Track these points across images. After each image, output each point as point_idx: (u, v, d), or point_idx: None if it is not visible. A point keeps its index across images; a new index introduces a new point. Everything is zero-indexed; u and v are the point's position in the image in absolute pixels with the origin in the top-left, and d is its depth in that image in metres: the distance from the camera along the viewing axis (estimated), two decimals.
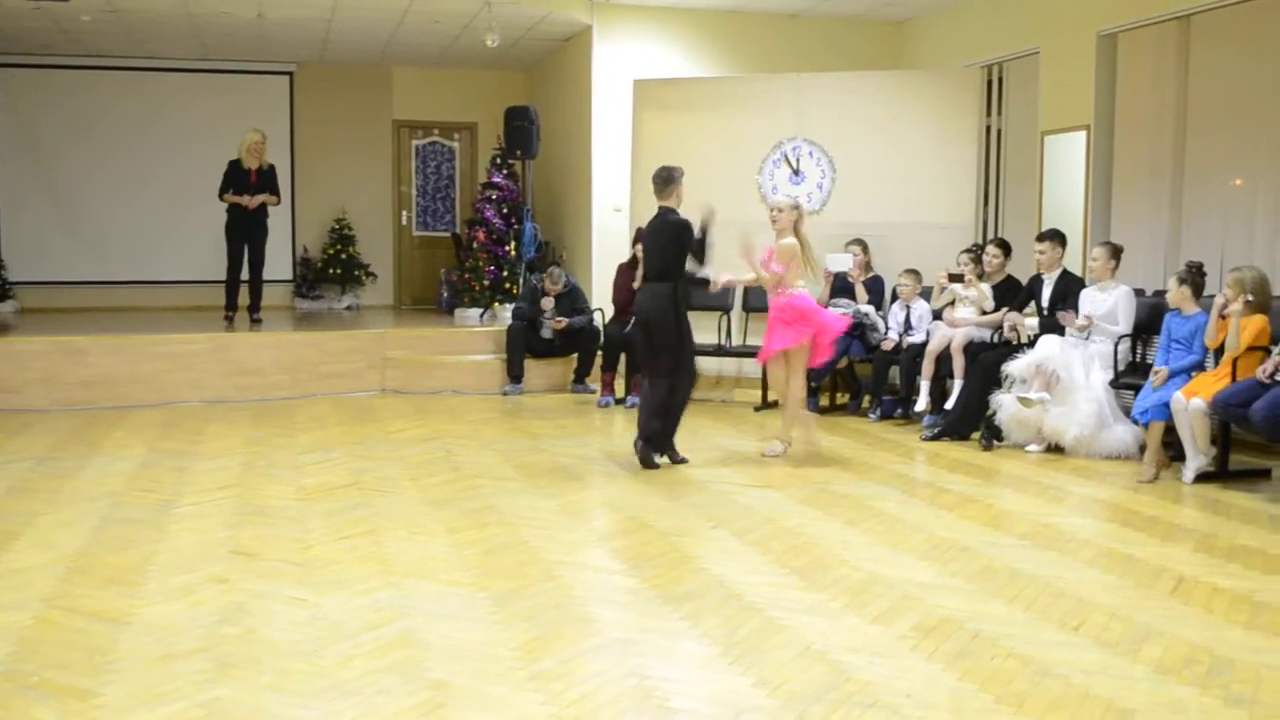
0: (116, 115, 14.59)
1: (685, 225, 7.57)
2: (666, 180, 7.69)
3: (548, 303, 10.84)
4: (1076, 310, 8.26)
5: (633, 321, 7.96)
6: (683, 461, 7.65)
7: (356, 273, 15.17)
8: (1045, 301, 8.56)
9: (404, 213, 15.80)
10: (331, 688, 3.82)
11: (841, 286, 9.89)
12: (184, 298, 14.43)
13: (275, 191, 12.09)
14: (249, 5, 11.63)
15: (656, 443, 7.60)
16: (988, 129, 11.12)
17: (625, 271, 10.46)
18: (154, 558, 5.38)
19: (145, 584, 4.97)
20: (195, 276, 14.20)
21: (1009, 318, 8.63)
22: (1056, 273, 8.58)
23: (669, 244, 7.57)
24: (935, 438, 8.54)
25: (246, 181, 11.91)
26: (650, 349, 7.66)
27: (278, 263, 14.64)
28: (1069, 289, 8.46)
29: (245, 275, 12.10)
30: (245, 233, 11.98)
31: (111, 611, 4.59)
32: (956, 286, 9.07)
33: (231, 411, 9.86)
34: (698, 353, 9.87)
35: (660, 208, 7.68)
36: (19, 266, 14.37)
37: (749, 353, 10.38)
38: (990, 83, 11.14)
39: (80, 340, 10.38)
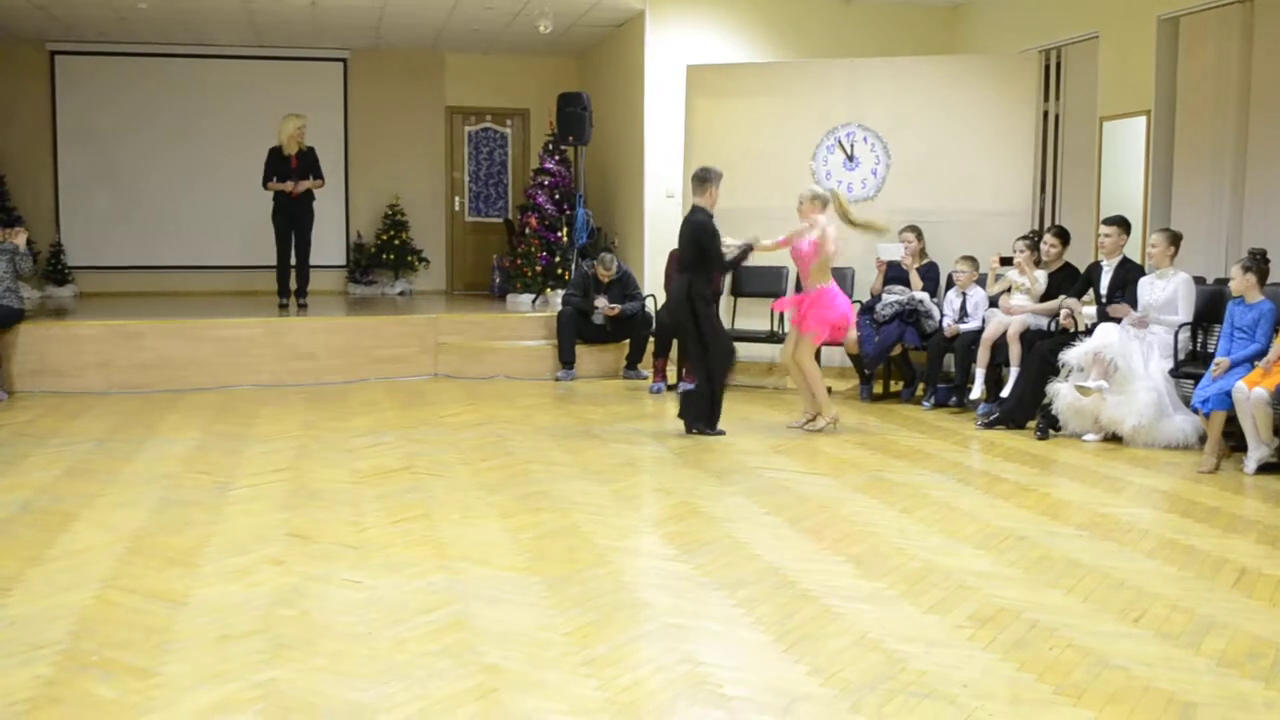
0: (172, 102, 14.76)
1: (703, 226, 8.02)
2: (703, 180, 8.15)
3: (601, 301, 10.81)
4: (1135, 300, 8.14)
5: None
6: (719, 434, 8.09)
7: (409, 258, 15.24)
8: (1104, 289, 8.42)
9: (457, 198, 15.86)
10: (385, 670, 3.84)
11: (895, 275, 9.81)
12: (238, 282, 14.58)
13: (318, 174, 12.15)
14: None
15: (691, 418, 8.13)
16: (1045, 114, 10.97)
17: (676, 259, 10.42)
18: (210, 539, 5.43)
19: (202, 565, 5.02)
20: (250, 261, 14.32)
21: (1066, 304, 8.52)
22: (1116, 260, 8.45)
23: (689, 243, 8.07)
24: (990, 425, 8.45)
25: (288, 167, 11.98)
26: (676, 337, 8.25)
27: (331, 248, 14.81)
28: (1128, 277, 8.32)
29: (292, 260, 12.20)
30: (291, 219, 12.06)
31: (169, 592, 4.64)
32: (1012, 274, 8.98)
33: (285, 395, 9.94)
34: (748, 339, 9.94)
35: (693, 205, 8.15)
36: (77, 251, 14.57)
37: None
38: (1048, 67, 11.00)
39: (137, 324, 10.51)
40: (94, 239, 14.68)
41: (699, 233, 8.00)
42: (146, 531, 5.57)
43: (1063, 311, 8.52)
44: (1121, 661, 3.92)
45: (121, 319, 10.77)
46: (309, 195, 12.08)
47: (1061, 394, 8.10)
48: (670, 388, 10.20)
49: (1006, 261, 8.98)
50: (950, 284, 9.61)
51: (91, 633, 4.18)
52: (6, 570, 4.93)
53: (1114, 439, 7.92)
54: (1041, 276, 8.83)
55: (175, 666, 3.86)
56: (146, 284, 14.59)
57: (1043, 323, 8.73)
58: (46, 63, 14.52)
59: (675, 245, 10.52)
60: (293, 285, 12.21)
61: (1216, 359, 7.39)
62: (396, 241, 15.17)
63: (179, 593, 4.63)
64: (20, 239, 10.22)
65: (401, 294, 15.04)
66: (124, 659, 3.93)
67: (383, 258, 15.16)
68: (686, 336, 8.17)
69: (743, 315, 10.77)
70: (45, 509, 6.02)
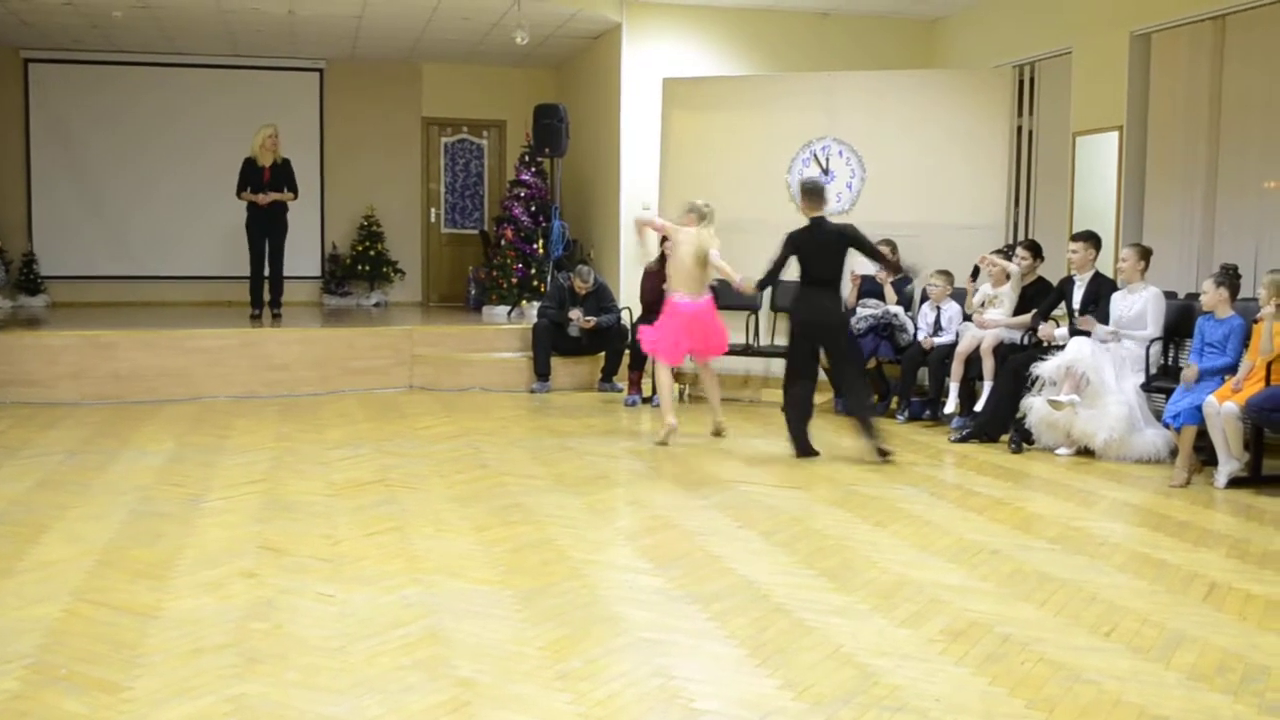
0: (146, 111, 14.69)
1: (850, 229, 8.15)
2: (819, 193, 8.06)
3: (576, 313, 10.80)
4: (1107, 314, 8.20)
5: (800, 326, 8.07)
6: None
7: (385, 269, 15.20)
8: (1076, 304, 8.48)
9: (433, 210, 15.84)
10: (358, 684, 3.82)
11: (870, 289, 9.84)
12: (213, 293, 14.52)
13: (292, 187, 12.09)
14: (280, 1, 11.67)
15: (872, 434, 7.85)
16: (1019, 129, 11.04)
17: (653, 275, 10.42)
18: (182, 552, 5.40)
19: (174, 578, 4.99)
20: (224, 272, 14.25)
21: (1041, 333, 8.52)
22: (1089, 274, 8.51)
23: (841, 253, 7.98)
24: (964, 439, 8.49)
25: (260, 178, 11.94)
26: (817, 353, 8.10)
27: (306, 259, 14.75)
28: (1101, 291, 8.38)
29: (265, 271, 12.15)
30: (264, 230, 12.02)
31: (140, 605, 4.61)
32: (985, 287, 9.04)
33: (260, 407, 9.90)
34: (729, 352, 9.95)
35: (820, 217, 7.98)
36: (50, 261, 14.48)
37: (777, 353, 10.34)
38: (1022, 83, 11.08)
39: (110, 335, 10.46)
40: (67, 248, 14.56)
41: (860, 235, 8.02)
42: (118, 544, 5.54)
43: (1041, 328, 8.53)
44: (1093, 676, 3.95)
45: (95, 329, 10.71)
46: (282, 206, 12.03)
47: (1034, 408, 8.15)
48: (645, 400, 10.21)
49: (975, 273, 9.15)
50: (925, 298, 9.66)
51: (61, 646, 4.15)
52: None
53: (1086, 453, 7.97)
54: (1010, 287, 8.89)
55: (146, 681, 3.83)
56: (120, 294, 14.50)
57: (1016, 336, 8.78)
58: (20, 70, 14.43)
59: (650, 260, 10.57)
60: (266, 296, 12.16)
61: (1186, 363, 7.46)
62: (372, 253, 15.13)
63: (150, 606, 4.60)
64: None
65: (377, 305, 15.01)
66: (93, 673, 3.90)
67: (358, 269, 15.12)
68: (838, 354, 8.05)
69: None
70: (16, 520, 5.98)
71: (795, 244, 7.96)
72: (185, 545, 5.52)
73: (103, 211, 14.67)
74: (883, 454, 7.70)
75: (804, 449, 7.93)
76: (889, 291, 9.77)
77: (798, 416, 7.98)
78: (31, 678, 3.86)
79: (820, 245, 7.92)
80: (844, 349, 8.06)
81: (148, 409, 9.73)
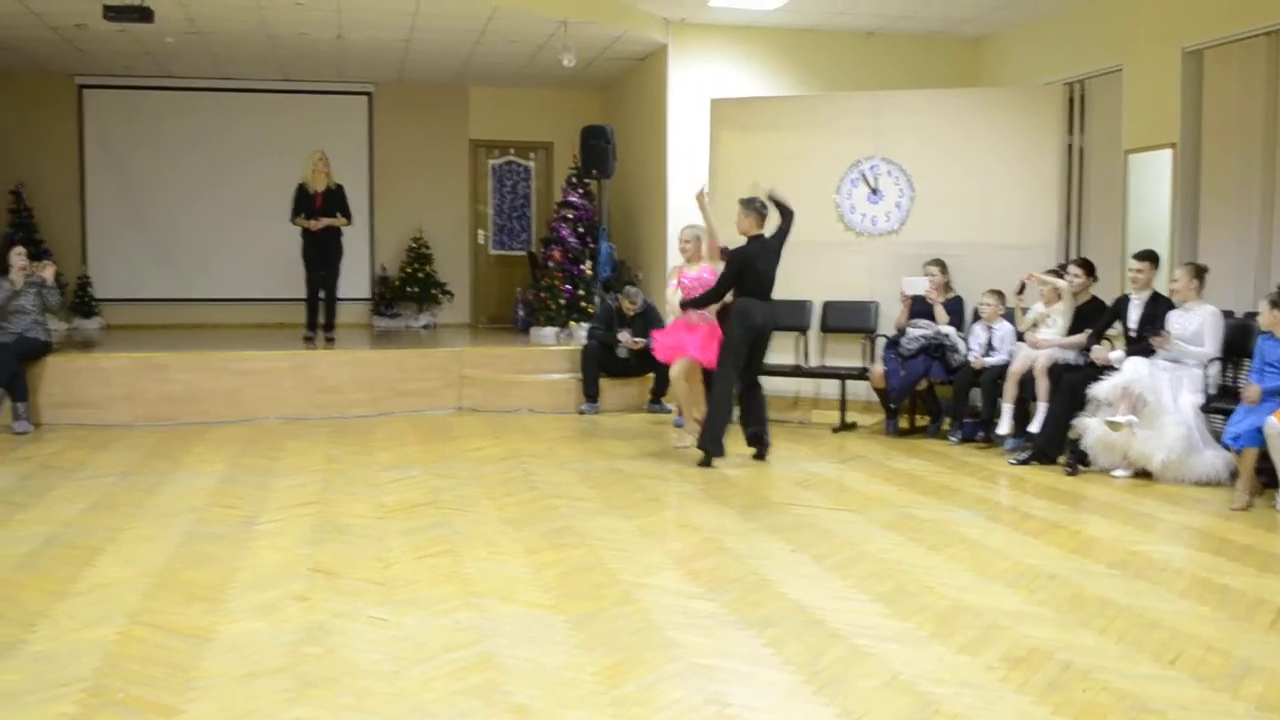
0: (197, 135, 14.88)
1: (775, 238, 8.51)
2: (762, 211, 8.45)
3: (624, 335, 10.78)
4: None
5: (746, 331, 8.35)
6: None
7: (433, 291, 15.28)
8: (1133, 323, 8.36)
9: (480, 232, 15.91)
10: (412, 710, 3.81)
11: (920, 309, 9.77)
12: (262, 314, 14.65)
13: (345, 212, 12.16)
14: (328, 26, 11.79)
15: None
16: (1070, 147, 10.94)
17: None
18: (235, 574, 5.42)
19: (227, 601, 5.00)
20: (274, 294, 14.37)
21: (1095, 354, 8.41)
22: (1147, 294, 8.38)
23: (777, 262, 8.45)
24: (1025, 462, 8.36)
25: (313, 204, 12.02)
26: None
27: (356, 281, 14.87)
28: (1159, 311, 8.23)
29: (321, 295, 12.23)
30: (318, 254, 12.09)
31: (194, 628, 4.62)
32: (1038, 306, 8.94)
33: (311, 428, 9.95)
34: (774, 373, 9.97)
35: (756, 236, 8.38)
36: (103, 283, 14.67)
37: (827, 374, 10.31)
38: (1071, 100, 10.98)
39: (163, 357, 10.55)
40: (120, 271, 14.78)
41: (779, 232, 8.47)
42: (172, 566, 5.56)
43: (1095, 351, 8.42)
44: (1159, 705, 3.86)
45: (148, 351, 10.81)
46: (335, 231, 12.09)
47: (1090, 429, 8.03)
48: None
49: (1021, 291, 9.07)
50: (976, 317, 9.57)
51: (117, 669, 4.16)
52: (33, 605, 4.93)
53: (1144, 475, 7.84)
54: (1063, 305, 8.79)
55: (201, 705, 3.84)
56: (172, 316, 14.67)
57: (1070, 356, 8.67)
58: (75, 96, 14.66)
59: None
60: (320, 319, 12.24)
61: (1245, 382, 7.33)
62: (421, 274, 15.22)
63: (204, 629, 4.61)
64: (48, 272, 10.31)
65: (426, 327, 15.08)
66: (149, 696, 3.91)
67: (407, 290, 15.21)
68: (762, 357, 8.56)
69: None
70: (71, 542, 6.02)
71: (749, 260, 8.29)
72: (238, 567, 5.54)
73: (154, 234, 14.88)
74: (704, 456, 8.23)
75: (721, 449, 8.28)
76: (939, 311, 9.68)
77: (726, 417, 8.33)
78: (89, 701, 3.87)
79: (767, 260, 8.35)
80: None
81: (199, 430, 9.81)
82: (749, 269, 8.28)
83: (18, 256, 10.18)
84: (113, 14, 9.62)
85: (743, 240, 8.40)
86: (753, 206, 8.39)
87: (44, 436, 9.52)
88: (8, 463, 8.39)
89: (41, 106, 14.54)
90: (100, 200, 14.79)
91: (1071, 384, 8.31)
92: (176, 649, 4.38)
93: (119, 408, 10.16)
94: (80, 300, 14.44)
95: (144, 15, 9.62)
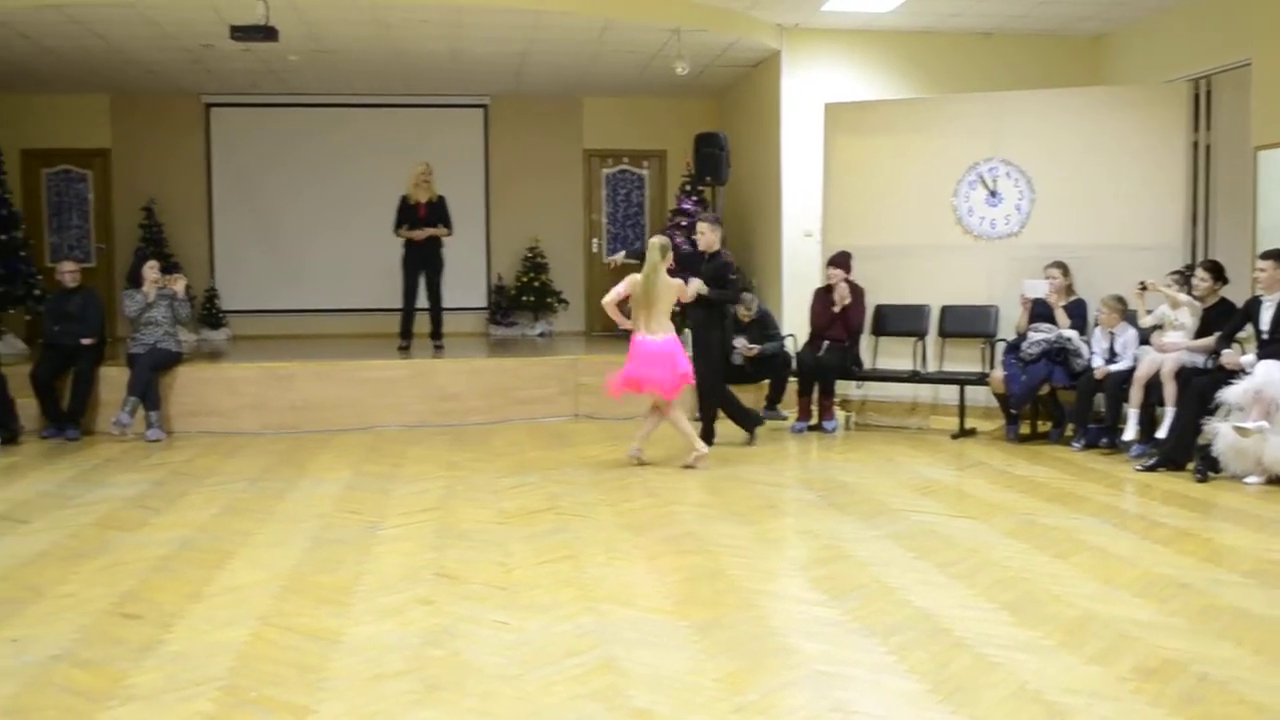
0: (318, 149, 15.23)
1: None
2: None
3: (740, 341, 10.74)
4: None
5: (724, 332, 9.62)
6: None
7: (549, 299, 15.41)
8: (1265, 325, 8.09)
9: (595, 240, 16.00)
10: (535, 713, 3.84)
11: (1041, 312, 9.58)
12: (381, 325, 14.85)
13: (447, 223, 12.33)
14: (448, 41, 11.97)
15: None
16: (1195, 145, 10.64)
17: (821, 296, 10.39)
18: (361, 578, 5.52)
19: (354, 604, 5.10)
20: (393, 305, 14.58)
21: (1225, 359, 8.16)
22: (1278, 295, 8.11)
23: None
24: (1152, 468, 8.15)
25: (415, 215, 12.22)
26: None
27: (472, 290, 15.11)
28: None
29: (424, 304, 12.43)
30: (419, 265, 12.31)
31: (323, 630, 4.72)
32: (1163, 308, 8.72)
33: (431, 436, 10.11)
34: (891, 378, 9.93)
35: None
36: (230, 295, 15.09)
37: (946, 379, 10.18)
38: (1196, 97, 10.68)
39: (288, 366, 10.81)
40: (245, 283, 15.19)
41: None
42: (300, 570, 5.69)
43: (1224, 355, 8.17)
44: None
45: (273, 361, 11.09)
46: (437, 242, 12.29)
47: (1221, 434, 7.79)
48: (812, 428, 10.14)
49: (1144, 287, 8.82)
50: (1097, 324, 9.35)
51: (249, 669, 4.27)
52: (170, 606, 5.08)
53: (1277, 482, 7.59)
54: (1187, 309, 8.56)
55: (331, 705, 3.92)
56: (294, 327, 15.02)
57: (1198, 360, 8.43)
58: (202, 114, 15.11)
59: (817, 285, 10.59)
60: (422, 329, 12.41)
61: None
62: (536, 283, 15.35)
63: (332, 631, 4.71)
64: (179, 285, 10.64)
65: (541, 335, 15.21)
66: (281, 696, 4.00)
67: (523, 299, 15.35)
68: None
69: (885, 355, 10.63)
70: (204, 546, 6.20)
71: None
72: (364, 572, 5.64)
73: (277, 247, 15.25)
74: (747, 437, 9.48)
75: (753, 419, 9.63)
76: (1061, 315, 9.49)
77: (734, 400, 9.53)
78: (225, 699, 3.97)
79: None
80: None
81: (323, 438, 10.03)
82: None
83: (150, 270, 10.53)
84: (239, 34, 9.91)
85: (716, 250, 9.34)
86: (719, 222, 9.51)
87: (176, 444, 9.83)
88: (142, 469, 8.67)
89: (171, 125, 15.01)
90: (227, 215, 15.22)
91: (1200, 388, 8.08)
92: (306, 650, 4.48)
93: (246, 416, 10.44)
94: (208, 312, 14.86)
95: (269, 34, 9.89)
